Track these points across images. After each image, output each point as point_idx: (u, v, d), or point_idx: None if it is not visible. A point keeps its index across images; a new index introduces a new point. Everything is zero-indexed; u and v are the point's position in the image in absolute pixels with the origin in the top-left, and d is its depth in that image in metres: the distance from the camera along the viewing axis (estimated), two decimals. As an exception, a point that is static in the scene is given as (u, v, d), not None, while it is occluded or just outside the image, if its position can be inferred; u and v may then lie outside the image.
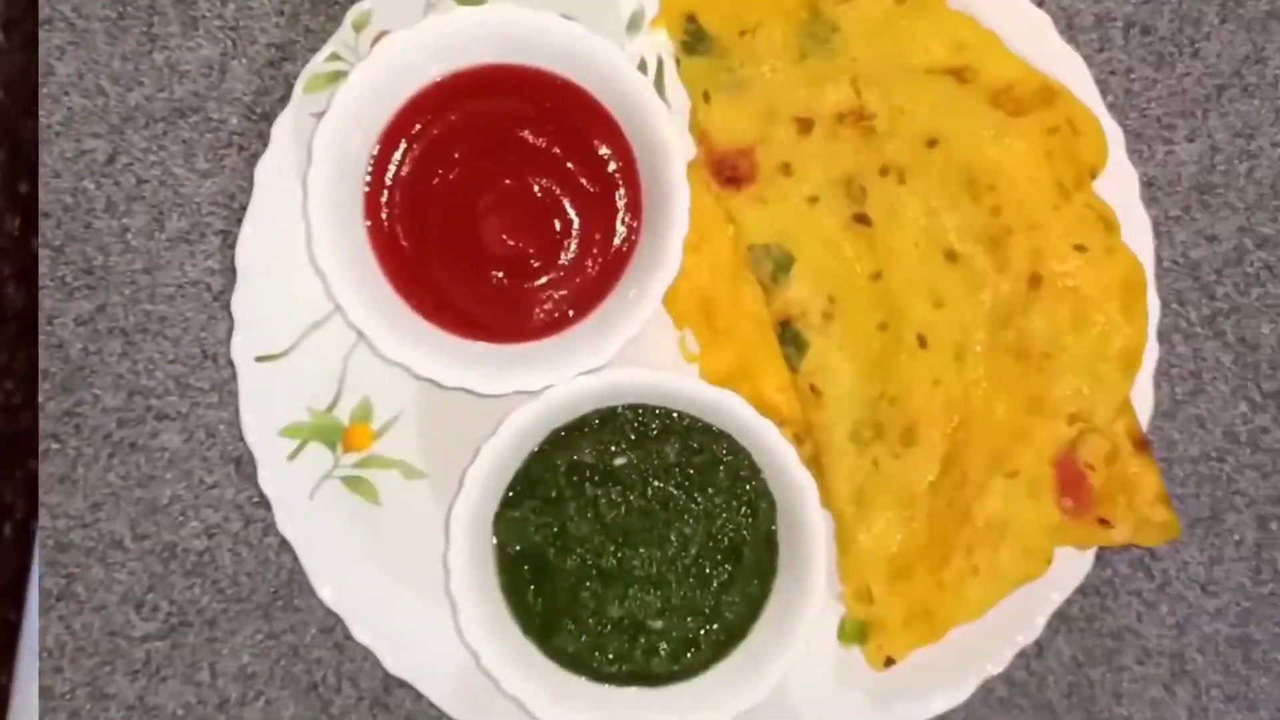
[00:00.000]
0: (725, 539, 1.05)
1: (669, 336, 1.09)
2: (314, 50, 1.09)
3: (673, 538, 1.05)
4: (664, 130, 1.02)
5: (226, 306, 1.08)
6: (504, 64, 1.04)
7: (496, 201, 1.05)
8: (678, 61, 1.09)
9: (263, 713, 1.12)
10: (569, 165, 1.05)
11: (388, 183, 1.05)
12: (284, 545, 1.09)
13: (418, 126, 1.05)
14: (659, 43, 1.10)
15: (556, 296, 1.05)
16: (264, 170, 1.07)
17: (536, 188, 1.05)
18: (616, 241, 1.05)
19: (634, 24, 1.10)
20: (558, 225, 1.05)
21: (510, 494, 1.05)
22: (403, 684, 1.07)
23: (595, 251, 1.05)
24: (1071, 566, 1.08)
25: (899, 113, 1.07)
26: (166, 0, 1.13)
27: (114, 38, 1.13)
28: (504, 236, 1.05)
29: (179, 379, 1.12)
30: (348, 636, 1.07)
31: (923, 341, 1.07)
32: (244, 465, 1.11)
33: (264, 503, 1.08)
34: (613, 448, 1.05)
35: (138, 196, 1.13)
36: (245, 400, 1.07)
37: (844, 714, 1.08)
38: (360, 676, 1.12)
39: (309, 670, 1.12)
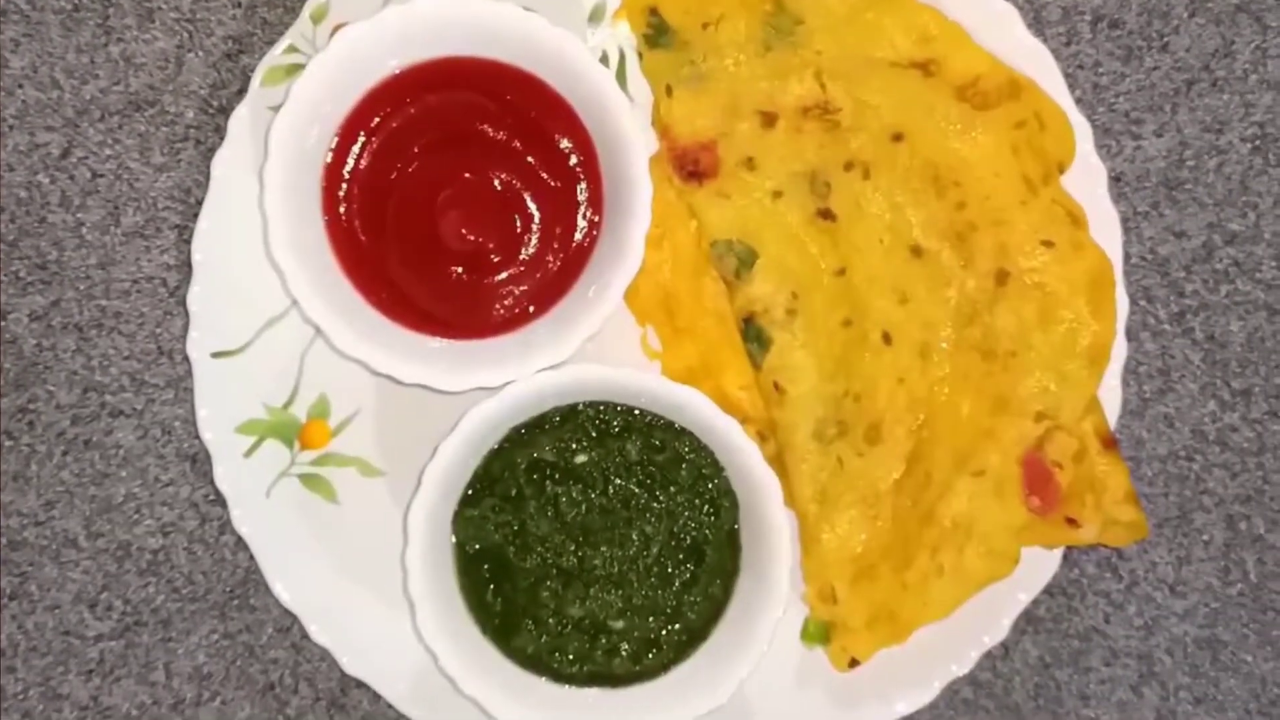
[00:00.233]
0: (687, 538, 1.05)
1: (631, 333, 1.09)
2: (271, 42, 1.08)
3: (634, 536, 1.04)
4: (626, 124, 1.02)
5: (182, 302, 1.07)
6: (464, 56, 1.03)
7: (456, 196, 1.04)
8: (640, 54, 1.09)
9: (218, 713, 1.11)
10: (529, 159, 1.05)
11: (345, 177, 1.04)
12: (240, 544, 1.09)
13: (376, 120, 1.04)
14: (621, 35, 1.09)
15: (517, 292, 1.05)
16: (220, 164, 1.06)
17: (496, 182, 1.04)
18: (577, 237, 1.05)
19: (596, 16, 1.09)
20: (518, 220, 1.05)
21: (469, 492, 1.05)
22: (360, 684, 1.07)
23: (556, 246, 1.05)
24: (1038, 567, 1.08)
25: (863, 106, 1.07)
26: (123, -8, 1.13)
27: (69, 30, 1.12)
28: (463, 231, 1.04)
29: (134, 375, 1.12)
30: (304, 636, 1.07)
31: (887, 338, 1.06)
32: (200, 462, 1.11)
33: (220, 500, 1.07)
34: (574, 445, 1.05)
35: (93, 191, 1.12)
36: (201, 397, 1.06)
37: (807, 716, 1.08)
38: (317, 677, 1.11)
39: (265, 670, 1.11)
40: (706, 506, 1.05)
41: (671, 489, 1.05)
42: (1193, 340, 1.15)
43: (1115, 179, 1.13)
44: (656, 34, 1.08)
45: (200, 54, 1.12)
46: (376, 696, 1.07)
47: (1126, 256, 1.10)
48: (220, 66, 1.12)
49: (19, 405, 1.11)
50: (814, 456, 1.05)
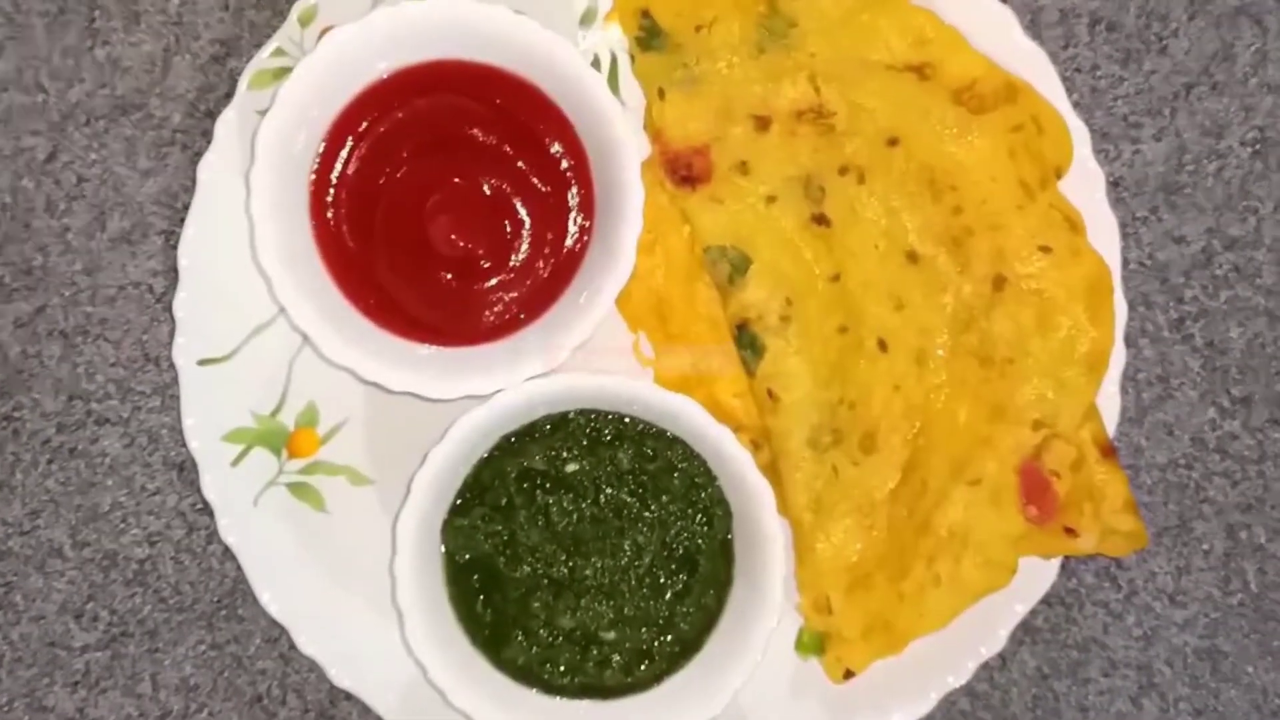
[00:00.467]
0: (680, 548, 1.04)
1: (623, 339, 1.08)
2: (259, 45, 1.08)
3: (626, 546, 1.04)
4: (617, 128, 1.01)
5: (169, 308, 1.07)
6: (453, 59, 1.03)
7: (445, 201, 1.04)
8: (632, 57, 1.08)
9: (205, 726, 1.11)
10: (520, 164, 1.04)
11: (333, 181, 1.04)
12: (227, 553, 1.08)
13: (364, 124, 1.04)
14: (613, 38, 1.09)
15: (507, 298, 1.04)
16: (207, 169, 1.05)
17: (486, 187, 1.04)
18: (568, 242, 1.04)
19: (587, 19, 1.08)
20: (508, 225, 1.04)
21: (459, 501, 1.04)
22: (349, 696, 1.07)
23: (547, 252, 1.04)
24: (1036, 576, 1.07)
25: (859, 110, 1.06)
26: (109, -6, 1.12)
27: (54, 33, 1.11)
28: (453, 237, 1.04)
29: (120, 383, 1.11)
30: (293, 647, 1.06)
31: (883, 345, 1.05)
32: (186, 471, 1.10)
33: (207, 510, 1.07)
34: (564, 454, 1.04)
35: (78, 195, 1.11)
36: (187, 405, 1.05)
37: (801, 727, 1.07)
38: (305, 688, 1.11)
39: (253, 682, 1.11)
40: (699, 516, 1.04)
41: (664, 498, 1.04)
42: (1192, 347, 1.14)
43: (1113, 184, 1.13)
44: (649, 37, 1.07)
45: (187, 57, 1.11)
46: (366, 708, 1.06)
47: (1125, 262, 1.09)
48: (207, 70, 1.11)
49: (3, 413, 1.10)
50: (808, 465, 1.05)
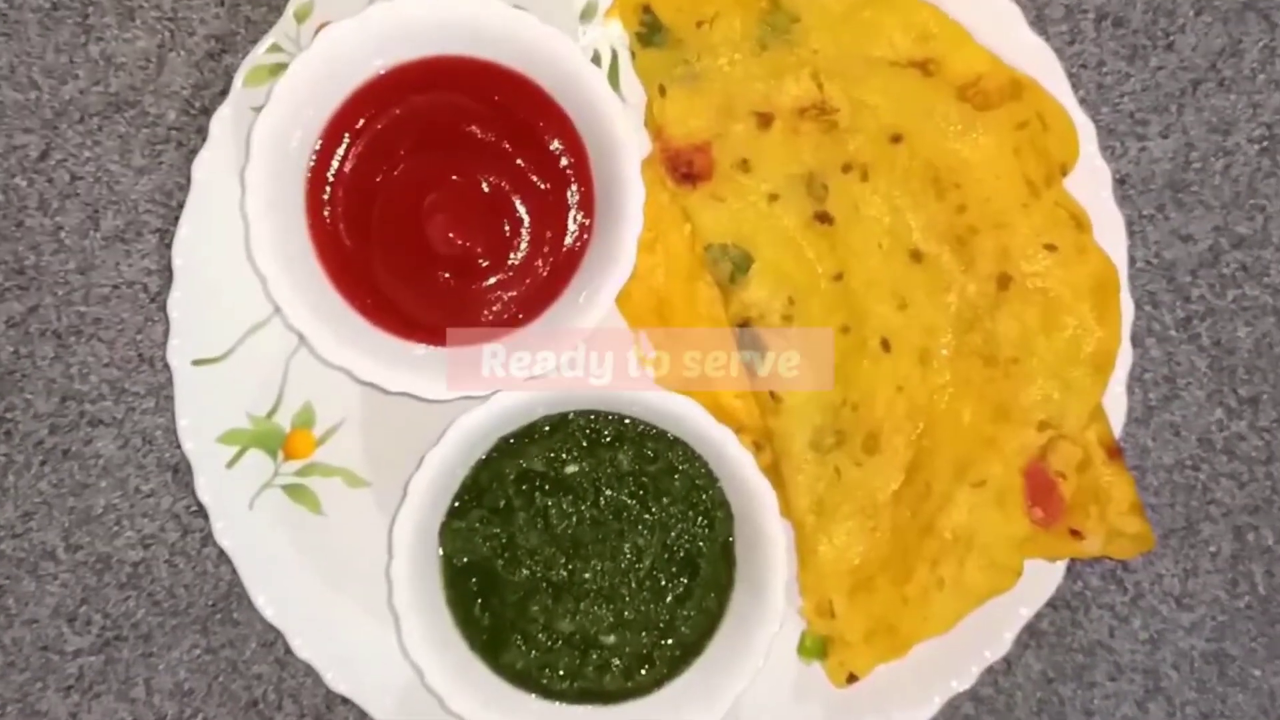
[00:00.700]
0: (681, 550, 1.04)
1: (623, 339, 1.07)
2: (254, 42, 1.06)
3: (626, 549, 1.03)
4: (618, 125, 1.01)
5: (163, 308, 1.05)
6: (451, 55, 1.02)
7: (443, 199, 1.03)
8: (632, 53, 1.08)
9: (200, 731, 1.11)
10: (518, 161, 1.03)
11: (330, 179, 1.03)
12: (222, 556, 1.07)
13: (361, 121, 1.03)
14: (613, 34, 1.08)
15: (505, 298, 1.03)
16: (202, 166, 1.04)
17: (485, 184, 1.03)
18: (568, 241, 1.04)
19: (587, 14, 1.08)
20: (507, 224, 1.03)
21: (457, 503, 1.03)
22: (345, 701, 1.06)
23: (546, 251, 1.04)
24: (1041, 579, 1.07)
25: (862, 107, 1.05)
26: (103, -10, 1.11)
27: (47, 29, 1.11)
28: (451, 235, 1.03)
29: (114, 383, 1.10)
30: (288, 652, 1.05)
31: (886, 345, 1.05)
32: (181, 473, 1.10)
33: (202, 512, 1.06)
34: (564, 455, 1.04)
35: (71, 194, 1.10)
36: (182, 406, 1.05)
37: (804, 732, 1.07)
38: (301, 693, 1.10)
39: (248, 687, 1.10)
40: (700, 518, 1.04)
41: (664, 500, 1.03)
42: (1199, 346, 1.14)
43: (1120, 181, 1.12)
44: (649, 32, 1.07)
45: (182, 53, 1.11)
46: (362, 713, 1.06)
47: (1131, 261, 1.09)
48: (203, 66, 1.11)
49: (-4, 414, 1.10)
50: (811, 466, 1.04)
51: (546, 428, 1.03)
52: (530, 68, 1.02)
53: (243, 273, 1.02)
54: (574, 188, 1.03)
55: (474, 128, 1.03)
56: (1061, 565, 1.07)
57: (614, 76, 1.08)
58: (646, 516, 1.03)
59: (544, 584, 1.03)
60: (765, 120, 1.05)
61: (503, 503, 1.03)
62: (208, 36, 1.11)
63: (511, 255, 1.03)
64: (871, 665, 1.05)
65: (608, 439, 1.03)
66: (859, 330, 1.05)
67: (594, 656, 1.03)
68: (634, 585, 1.03)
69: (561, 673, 1.03)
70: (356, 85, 1.02)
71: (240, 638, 1.10)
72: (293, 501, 1.06)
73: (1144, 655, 1.13)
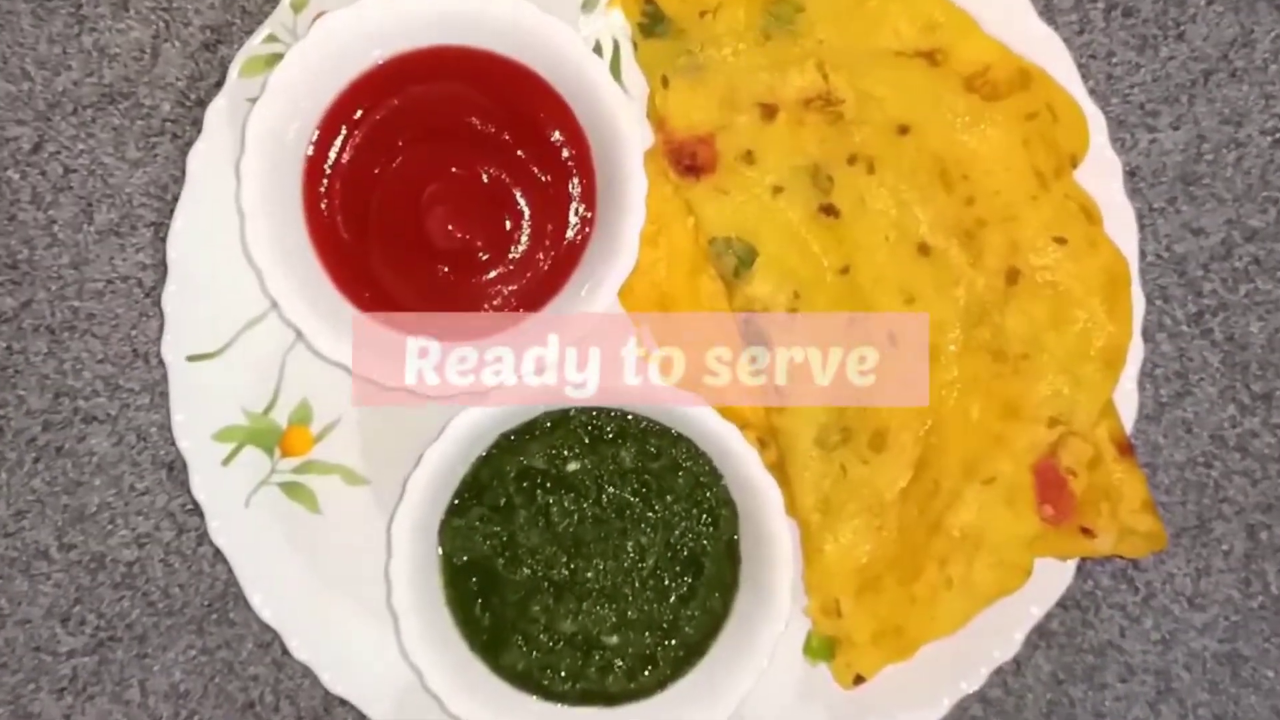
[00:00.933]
0: (684, 549, 1.03)
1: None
2: (250, 32, 1.06)
3: (629, 548, 1.03)
4: (620, 116, 1.00)
5: (158, 303, 1.05)
6: (450, 45, 1.02)
7: (442, 191, 1.02)
8: (634, 44, 1.07)
9: (196, 732, 1.11)
10: (519, 153, 1.03)
11: (327, 171, 1.02)
12: (218, 556, 1.07)
13: (359, 112, 1.02)
14: (615, 24, 1.07)
15: (506, 292, 1.03)
16: (196, 158, 1.04)
17: (485, 176, 1.03)
18: (569, 234, 1.03)
19: (588, 4, 1.07)
20: (507, 216, 1.03)
21: (456, 501, 1.03)
22: (343, 703, 1.06)
23: (547, 244, 1.03)
24: (1051, 579, 1.07)
25: (868, 98, 1.05)
26: (96, -20, 1.11)
27: (40, 19, 1.10)
28: (450, 228, 1.02)
29: (108, 379, 1.10)
30: (285, 652, 1.05)
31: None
32: (176, 470, 1.10)
33: (197, 510, 1.06)
34: (565, 452, 1.03)
35: (65, 187, 1.10)
36: (176, 402, 1.04)
37: (810, 734, 1.07)
38: (299, 695, 1.10)
39: (245, 688, 1.10)
40: (704, 516, 1.03)
41: (668, 498, 1.03)
42: (1211, 341, 1.13)
43: (1130, 173, 1.12)
44: (652, 22, 1.06)
45: (177, 44, 1.10)
46: (361, 715, 1.05)
47: (1142, 254, 1.08)
48: (198, 57, 1.10)
49: (-13, 411, 1.10)
50: (816, 464, 1.04)
51: (548, 424, 1.03)
52: (531, 58, 1.02)
53: (238, 267, 1.02)
54: (575, 180, 1.03)
55: (474, 119, 1.03)
56: (1072, 564, 1.06)
57: (616, 67, 1.07)
58: (649, 515, 1.03)
59: (545, 583, 1.02)
60: (769, 112, 1.05)
61: (503, 501, 1.02)
62: (203, 27, 1.10)
63: (512, 249, 1.03)
64: (879, 666, 1.04)
65: (610, 435, 1.03)
66: (865, 325, 1.04)
67: (596, 657, 1.02)
68: (637, 585, 1.03)
69: (563, 674, 1.02)
70: (354, 75, 1.02)
71: (236, 638, 1.10)
72: (290, 499, 1.06)
73: (1156, 656, 1.12)
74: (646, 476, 1.03)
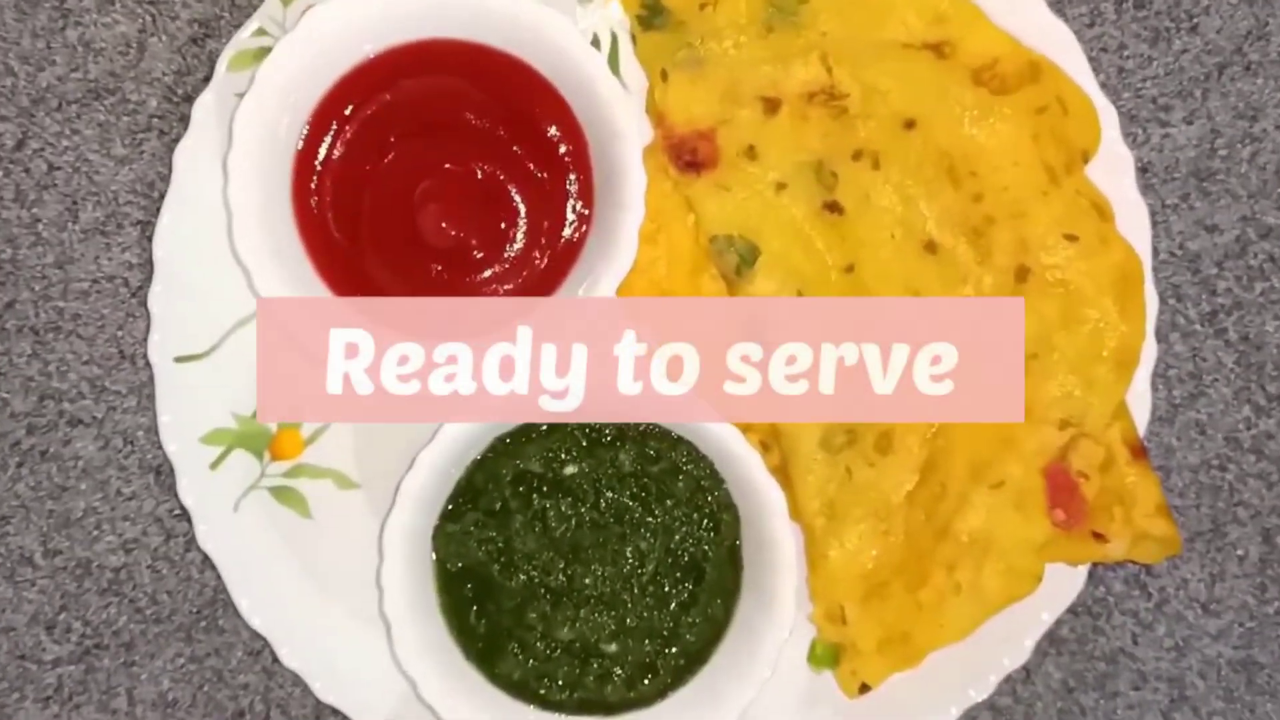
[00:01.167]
0: (685, 555, 1.03)
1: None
2: (239, 25, 1.06)
3: (628, 553, 1.02)
4: (618, 111, 1.00)
5: (145, 303, 1.05)
6: (444, 39, 1.01)
7: (436, 188, 1.02)
8: (633, 37, 1.07)
9: (184, 743, 1.11)
10: (515, 149, 1.03)
11: (318, 167, 1.02)
12: (207, 562, 1.07)
13: (350, 107, 1.02)
14: (613, 17, 1.07)
15: (501, 291, 1.02)
16: (184, 155, 1.04)
17: (479, 173, 1.02)
18: (566, 231, 1.03)
19: (586, -4, 1.08)
20: (502, 214, 1.02)
21: (451, 506, 1.03)
22: (335, 712, 1.06)
23: (544, 242, 1.03)
24: (1062, 584, 1.06)
25: (872, 92, 1.05)
26: (82, -27, 1.11)
27: (24, 13, 1.10)
28: (444, 226, 1.02)
29: (94, 381, 1.09)
30: (276, 661, 1.05)
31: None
32: (164, 475, 1.09)
33: (185, 515, 1.06)
34: (562, 455, 1.03)
35: (49, 184, 1.09)
36: (163, 404, 1.04)
37: (815, 744, 1.07)
38: (289, 704, 1.10)
39: (234, 697, 1.10)
40: (706, 521, 1.03)
41: (668, 502, 1.02)
42: (1226, 341, 1.12)
43: (1142, 169, 1.11)
44: (651, 15, 1.06)
45: (164, 38, 1.10)
46: (353, 725, 1.06)
47: (1155, 252, 1.08)
48: (185, 52, 1.10)
49: (-30, 414, 1.10)
50: (821, 467, 1.03)
51: (544, 426, 1.03)
52: (527, 51, 1.01)
53: (227, 265, 1.02)
54: (572, 176, 1.02)
55: (468, 114, 1.03)
56: (1083, 570, 1.06)
57: (614, 61, 1.07)
58: (649, 519, 1.02)
59: (542, 590, 1.02)
60: (772, 106, 1.04)
61: (499, 505, 1.02)
62: (190, 21, 1.10)
63: (507, 247, 1.03)
64: (885, 674, 1.04)
65: (608, 438, 1.02)
66: (871, 324, 1.04)
67: (594, 666, 1.02)
68: (636, 591, 1.02)
69: (560, 682, 1.02)
70: (345, 69, 1.02)
71: (226, 646, 1.09)
72: (280, 504, 1.05)
73: (1169, 663, 1.12)
74: (646, 480, 1.02)
